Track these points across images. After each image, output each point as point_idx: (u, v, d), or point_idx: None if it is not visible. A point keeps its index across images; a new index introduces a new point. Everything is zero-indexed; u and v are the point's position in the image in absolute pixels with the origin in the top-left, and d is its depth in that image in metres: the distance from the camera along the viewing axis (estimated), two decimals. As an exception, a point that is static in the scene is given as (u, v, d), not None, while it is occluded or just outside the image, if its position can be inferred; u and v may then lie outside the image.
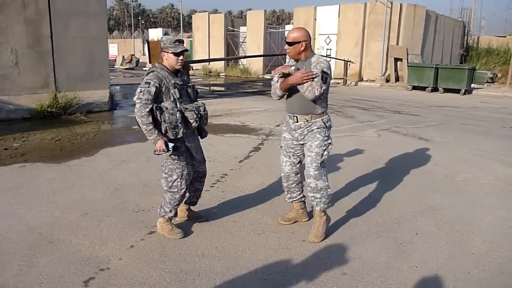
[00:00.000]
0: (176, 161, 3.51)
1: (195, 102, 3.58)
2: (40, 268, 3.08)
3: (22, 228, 3.74)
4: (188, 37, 35.88)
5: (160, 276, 3.01)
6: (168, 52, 3.42)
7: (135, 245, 3.47)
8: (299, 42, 3.46)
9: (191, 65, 24.63)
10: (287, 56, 3.64)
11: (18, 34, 9.20)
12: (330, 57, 21.09)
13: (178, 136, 3.43)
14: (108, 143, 7.16)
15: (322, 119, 3.53)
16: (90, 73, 10.41)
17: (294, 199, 3.89)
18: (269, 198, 4.54)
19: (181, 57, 3.45)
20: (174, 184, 3.53)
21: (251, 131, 8.27)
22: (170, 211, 3.59)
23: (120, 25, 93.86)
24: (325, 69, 3.38)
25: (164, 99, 3.40)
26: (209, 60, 23.22)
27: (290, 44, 3.49)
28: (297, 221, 3.96)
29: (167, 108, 3.39)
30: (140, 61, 31.85)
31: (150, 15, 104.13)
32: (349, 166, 5.89)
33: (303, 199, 3.92)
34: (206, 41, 27.81)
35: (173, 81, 3.43)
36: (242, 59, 25.97)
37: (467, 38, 29.38)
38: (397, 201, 4.60)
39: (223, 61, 26.04)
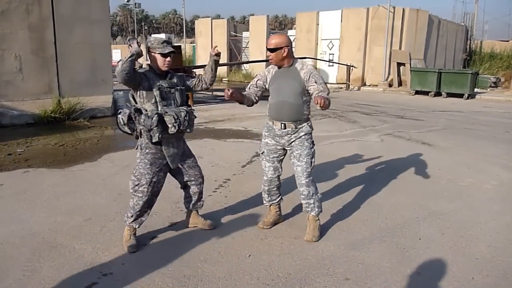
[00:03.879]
0: (148, 166, 3.42)
1: (182, 107, 3.44)
2: (43, 273, 3.09)
3: (26, 233, 3.75)
4: (191, 43, 36.01)
5: (162, 281, 3.01)
6: (155, 53, 3.35)
7: (138, 250, 3.46)
8: (281, 48, 3.47)
9: (194, 70, 24.70)
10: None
11: (22, 40, 9.26)
12: (333, 62, 21.16)
13: (153, 140, 3.32)
14: (111, 148, 7.18)
15: (307, 123, 3.64)
16: (93, 78, 10.46)
17: (274, 201, 3.95)
18: (271, 203, 4.53)
19: (168, 59, 3.38)
20: (140, 189, 3.42)
21: (254, 136, 8.27)
22: (132, 216, 3.47)
23: (123, 30, 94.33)
24: (321, 77, 3.52)
25: (144, 101, 3.34)
26: (212, 66, 23.24)
27: (272, 50, 3.49)
28: (276, 224, 4.01)
29: (146, 110, 3.33)
30: (143, 66, 31.93)
31: (153, 21, 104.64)
32: (352, 171, 5.88)
33: (281, 201, 4.02)
34: (209, 46, 27.85)
35: (157, 83, 3.36)
36: (245, 64, 26.05)
37: (470, 42, 29.38)
38: (400, 206, 4.59)
39: (225, 66, 26.11)
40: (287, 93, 3.53)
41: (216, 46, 3.62)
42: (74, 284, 2.96)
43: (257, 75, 3.82)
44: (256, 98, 3.78)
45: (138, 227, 3.57)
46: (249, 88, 3.78)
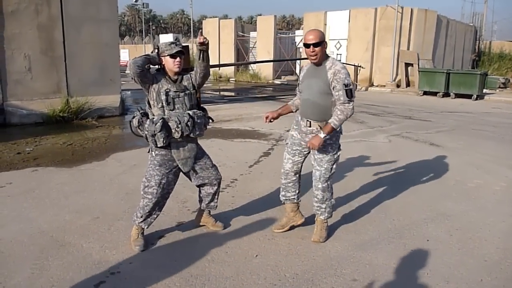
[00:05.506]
0: (157, 167, 3.43)
1: (190, 111, 3.41)
2: (52, 272, 3.11)
3: (34, 231, 3.78)
4: (199, 43, 35.99)
5: (170, 281, 3.02)
6: (164, 56, 3.35)
7: (146, 249, 3.48)
8: (323, 42, 3.35)
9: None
10: (297, 62, 3.63)
11: (31, 39, 9.34)
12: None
13: (158, 145, 3.33)
14: (119, 147, 7.21)
15: None
16: (101, 78, 10.52)
17: (288, 198, 3.82)
18: (279, 203, 4.50)
19: (177, 59, 3.35)
20: (150, 190, 3.43)
21: (261, 136, 8.27)
22: (141, 217, 3.49)
23: (131, 30, 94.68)
24: (346, 81, 3.28)
25: (153, 104, 3.36)
26: (219, 66, 23.32)
27: (317, 44, 3.31)
28: (292, 226, 3.86)
29: (153, 115, 3.35)
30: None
31: (161, 21, 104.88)
32: (359, 171, 5.86)
33: (296, 201, 3.83)
34: (216, 46, 27.94)
35: (165, 87, 3.35)
36: (252, 64, 26.06)
37: (479, 43, 29.19)
38: (408, 207, 4.56)
39: (233, 66, 26.14)
40: (314, 92, 3.43)
41: (200, 31, 3.44)
42: (82, 282, 2.98)
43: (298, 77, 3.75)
44: None
45: (147, 227, 3.58)
46: (296, 94, 3.75)
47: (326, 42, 3.40)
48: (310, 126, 3.52)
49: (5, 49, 9.02)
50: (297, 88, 3.75)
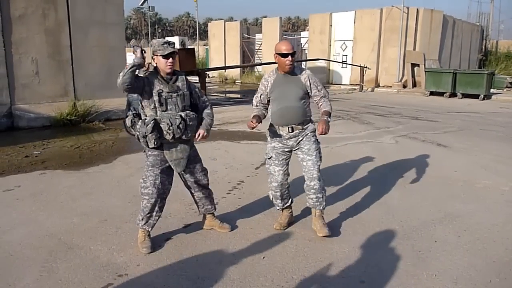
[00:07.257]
0: (150, 168, 3.44)
1: (182, 112, 3.39)
2: (60, 274, 3.13)
3: (42, 234, 3.80)
4: (204, 45, 36.17)
5: (177, 283, 3.03)
6: (157, 55, 3.33)
7: (153, 251, 3.49)
8: (296, 52, 3.65)
9: (208, 72, 24.83)
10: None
11: (38, 44, 9.42)
12: (346, 63, 21.06)
13: (150, 146, 3.34)
14: (126, 150, 7.24)
15: (311, 123, 3.79)
16: (108, 81, 10.52)
17: (287, 204, 3.98)
18: (285, 205, 4.52)
19: (170, 60, 3.32)
20: (146, 191, 3.45)
21: (266, 138, 8.25)
22: (142, 219, 3.51)
23: (137, 34, 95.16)
24: (319, 81, 3.78)
25: (146, 105, 3.36)
26: (225, 68, 23.36)
27: (293, 54, 3.59)
28: (291, 224, 4.04)
29: (146, 116, 3.35)
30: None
31: (167, 24, 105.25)
32: (366, 173, 5.84)
33: (291, 203, 4.04)
34: (222, 48, 27.99)
35: (158, 88, 3.33)
36: (257, 66, 26.08)
37: (486, 42, 28.98)
38: (416, 208, 4.54)
39: (238, 69, 26.16)
40: (292, 98, 3.66)
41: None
42: (90, 284, 2.99)
43: (257, 89, 3.87)
44: (266, 111, 3.85)
45: (150, 229, 3.59)
46: (257, 105, 3.84)
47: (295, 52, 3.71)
48: (292, 131, 3.70)
49: (13, 54, 9.11)
50: (258, 98, 3.83)
